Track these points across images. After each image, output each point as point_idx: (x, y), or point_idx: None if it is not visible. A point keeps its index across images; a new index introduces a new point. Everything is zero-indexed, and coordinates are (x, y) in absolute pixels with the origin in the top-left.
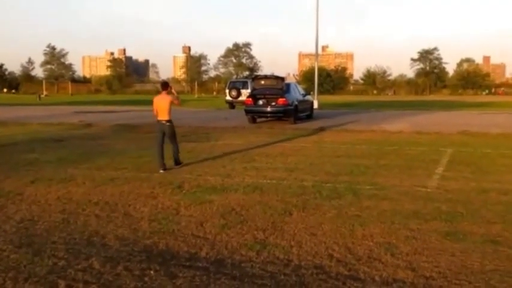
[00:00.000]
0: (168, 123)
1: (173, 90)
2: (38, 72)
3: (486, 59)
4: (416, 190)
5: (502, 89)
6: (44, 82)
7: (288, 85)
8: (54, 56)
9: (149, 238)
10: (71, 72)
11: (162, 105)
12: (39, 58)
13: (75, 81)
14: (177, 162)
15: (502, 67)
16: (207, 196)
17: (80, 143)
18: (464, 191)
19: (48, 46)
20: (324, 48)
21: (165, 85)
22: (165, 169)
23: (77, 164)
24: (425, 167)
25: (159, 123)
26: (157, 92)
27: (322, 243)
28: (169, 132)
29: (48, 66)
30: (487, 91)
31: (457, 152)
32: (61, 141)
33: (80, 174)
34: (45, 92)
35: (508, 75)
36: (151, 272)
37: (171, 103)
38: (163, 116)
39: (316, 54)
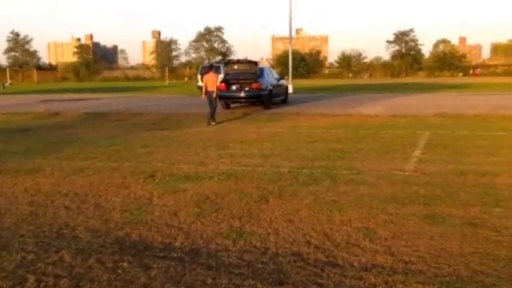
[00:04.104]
0: (214, 93)
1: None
2: (1, 59)
3: (462, 40)
4: (394, 174)
5: (478, 70)
6: (7, 70)
7: (262, 69)
8: (18, 43)
9: (121, 229)
10: (36, 60)
11: (210, 81)
12: (2, 45)
13: (41, 68)
14: (209, 122)
15: (478, 48)
16: (180, 185)
17: (47, 132)
18: (442, 174)
19: (12, 32)
20: (297, 31)
21: (212, 67)
22: (215, 122)
23: (44, 154)
24: (403, 151)
25: (208, 93)
26: (205, 73)
27: (299, 230)
28: (214, 99)
29: (12, 53)
30: (462, 73)
31: (434, 134)
32: (27, 131)
33: (48, 165)
34: (9, 81)
35: (484, 56)
36: (125, 263)
37: (216, 80)
38: (211, 88)
39: (290, 38)
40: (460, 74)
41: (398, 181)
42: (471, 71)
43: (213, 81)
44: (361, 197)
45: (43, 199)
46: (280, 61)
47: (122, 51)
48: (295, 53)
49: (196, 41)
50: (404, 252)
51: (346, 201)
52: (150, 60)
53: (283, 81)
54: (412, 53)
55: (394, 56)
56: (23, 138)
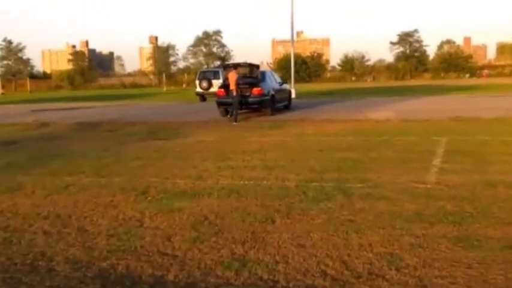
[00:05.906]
0: (234, 91)
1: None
2: None
3: (467, 40)
4: (415, 187)
5: (485, 70)
6: (0, 79)
7: (264, 73)
8: (11, 51)
9: (106, 259)
10: (29, 68)
11: (233, 79)
12: None
13: (35, 77)
14: (236, 119)
15: (483, 48)
16: (175, 203)
17: (33, 145)
18: (469, 186)
19: (4, 40)
20: (298, 34)
21: (236, 66)
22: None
23: (27, 170)
24: (421, 159)
25: (231, 91)
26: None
27: (312, 257)
28: (237, 97)
29: (5, 61)
30: (469, 74)
31: (453, 140)
32: (13, 143)
33: (29, 182)
34: (1, 90)
35: (490, 56)
36: None
37: (238, 79)
38: (233, 87)
39: (292, 40)
40: (467, 76)
41: (421, 195)
42: (478, 72)
43: (235, 80)
44: (381, 215)
45: (20, 223)
46: (281, 65)
47: (118, 57)
48: (297, 56)
49: (194, 45)
50: (439, 285)
51: (364, 220)
52: (147, 66)
53: (286, 86)
54: (416, 54)
55: (398, 58)
56: (7, 151)
